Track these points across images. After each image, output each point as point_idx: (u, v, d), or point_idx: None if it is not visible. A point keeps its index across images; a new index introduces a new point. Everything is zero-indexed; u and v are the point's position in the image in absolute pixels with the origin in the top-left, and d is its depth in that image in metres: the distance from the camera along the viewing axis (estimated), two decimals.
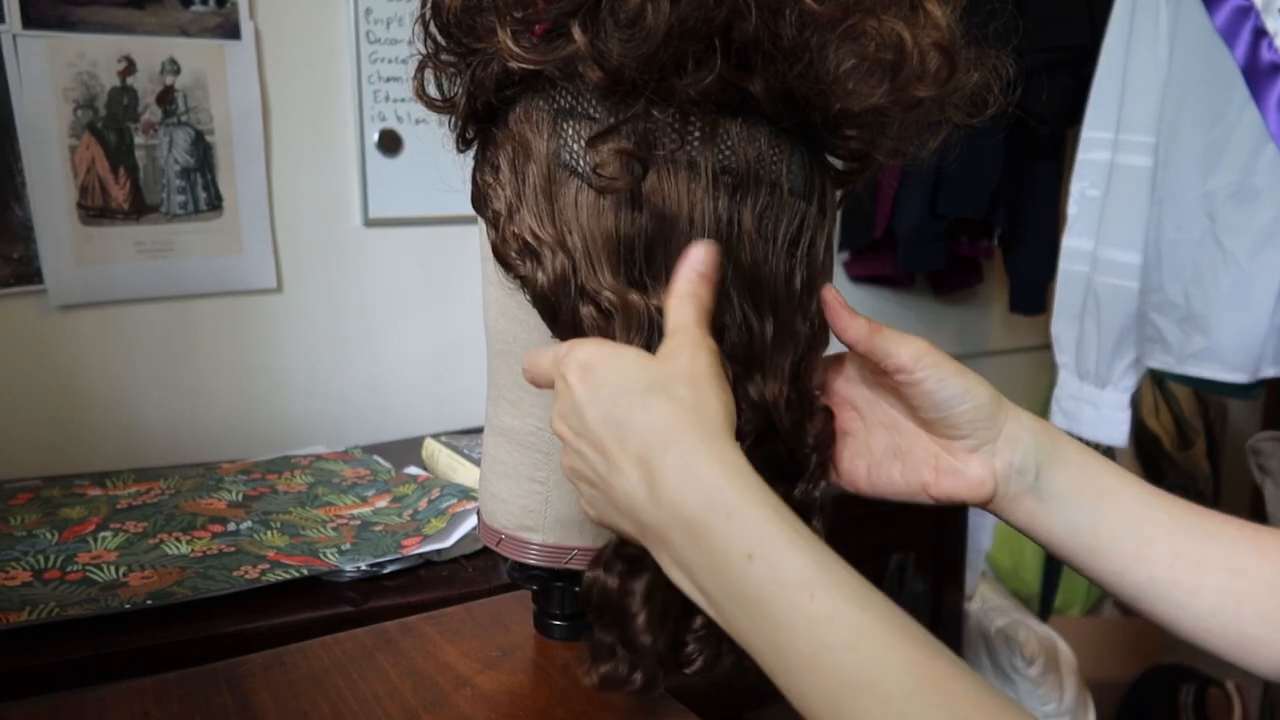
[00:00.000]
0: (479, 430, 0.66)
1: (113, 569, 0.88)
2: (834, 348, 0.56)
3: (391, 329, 1.48)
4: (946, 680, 0.38)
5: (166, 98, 1.27)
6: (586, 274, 0.49)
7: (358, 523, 1.03)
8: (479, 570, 0.95)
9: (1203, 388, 1.41)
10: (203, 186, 1.31)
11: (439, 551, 0.95)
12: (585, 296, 0.50)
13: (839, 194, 0.58)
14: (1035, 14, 1.52)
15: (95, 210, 1.25)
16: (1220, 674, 1.74)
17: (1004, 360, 2.16)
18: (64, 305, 1.25)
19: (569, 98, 0.51)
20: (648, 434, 0.44)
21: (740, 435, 0.46)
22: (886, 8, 0.47)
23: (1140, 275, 1.35)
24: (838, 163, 0.56)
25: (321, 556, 0.92)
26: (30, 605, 0.80)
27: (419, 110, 1.47)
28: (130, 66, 1.24)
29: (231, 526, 0.99)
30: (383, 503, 1.10)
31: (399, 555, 0.93)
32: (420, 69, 0.55)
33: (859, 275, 1.88)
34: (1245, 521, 0.53)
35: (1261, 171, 1.20)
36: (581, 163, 0.50)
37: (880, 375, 0.55)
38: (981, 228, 1.79)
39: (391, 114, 1.41)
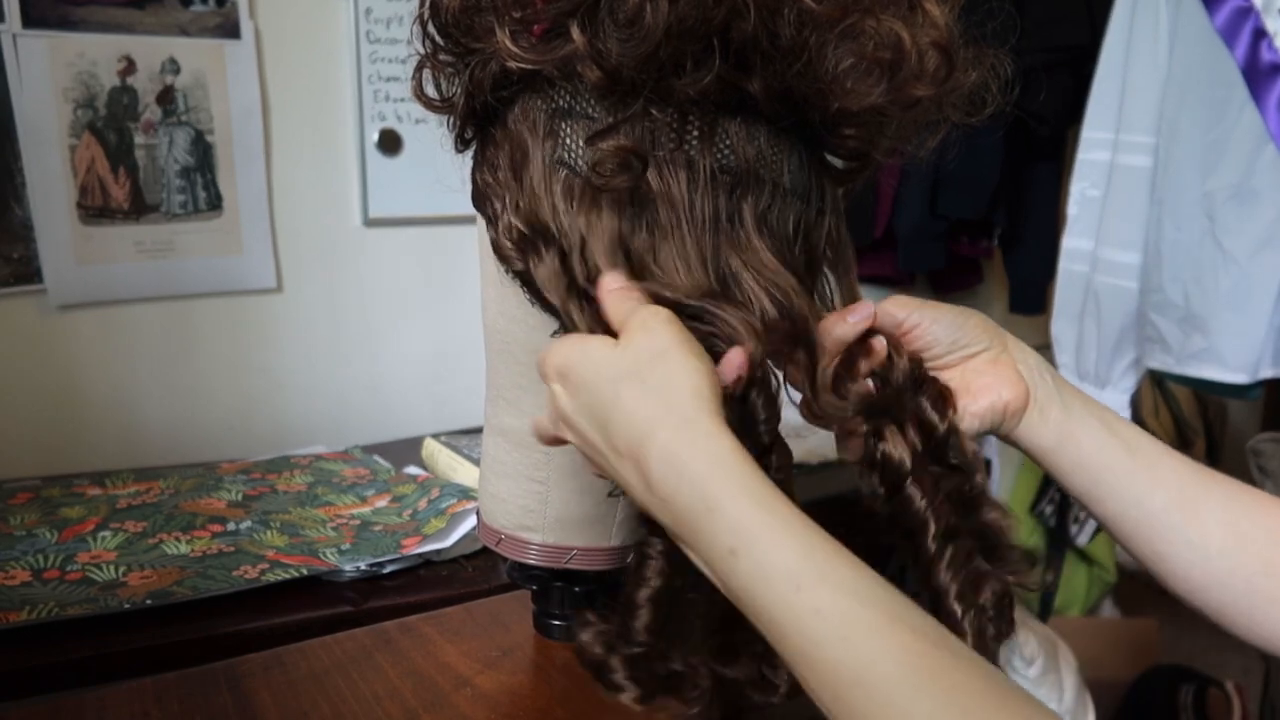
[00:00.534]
0: (479, 430, 0.66)
1: (112, 569, 0.88)
2: None
3: (391, 329, 1.48)
4: (947, 670, 0.36)
5: (166, 97, 1.27)
6: (584, 270, 0.50)
7: (357, 523, 1.03)
8: (479, 570, 0.95)
9: (1202, 388, 1.41)
10: (203, 186, 1.31)
11: (439, 551, 0.95)
12: (588, 294, 0.50)
13: (840, 192, 0.58)
14: (1035, 14, 1.52)
15: (95, 210, 1.25)
16: (1220, 674, 1.74)
17: None
18: (64, 305, 1.25)
19: (567, 97, 0.51)
20: (627, 430, 0.43)
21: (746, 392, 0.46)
22: (885, 7, 0.47)
23: (1140, 275, 1.35)
24: (837, 162, 0.56)
25: (321, 556, 0.92)
26: (30, 605, 0.80)
27: (419, 110, 1.47)
28: (130, 66, 1.24)
29: (231, 526, 0.99)
30: (382, 503, 1.10)
31: (399, 555, 0.93)
32: (419, 69, 0.55)
33: (859, 275, 1.88)
34: (1233, 479, 0.53)
35: (1261, 172, 1.20)
36: (580, 162, 0.50)
37: None
38: (981, 228, 1.79)
39: (391, 114, 1.41)
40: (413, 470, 1.21)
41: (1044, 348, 1.68)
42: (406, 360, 1.50)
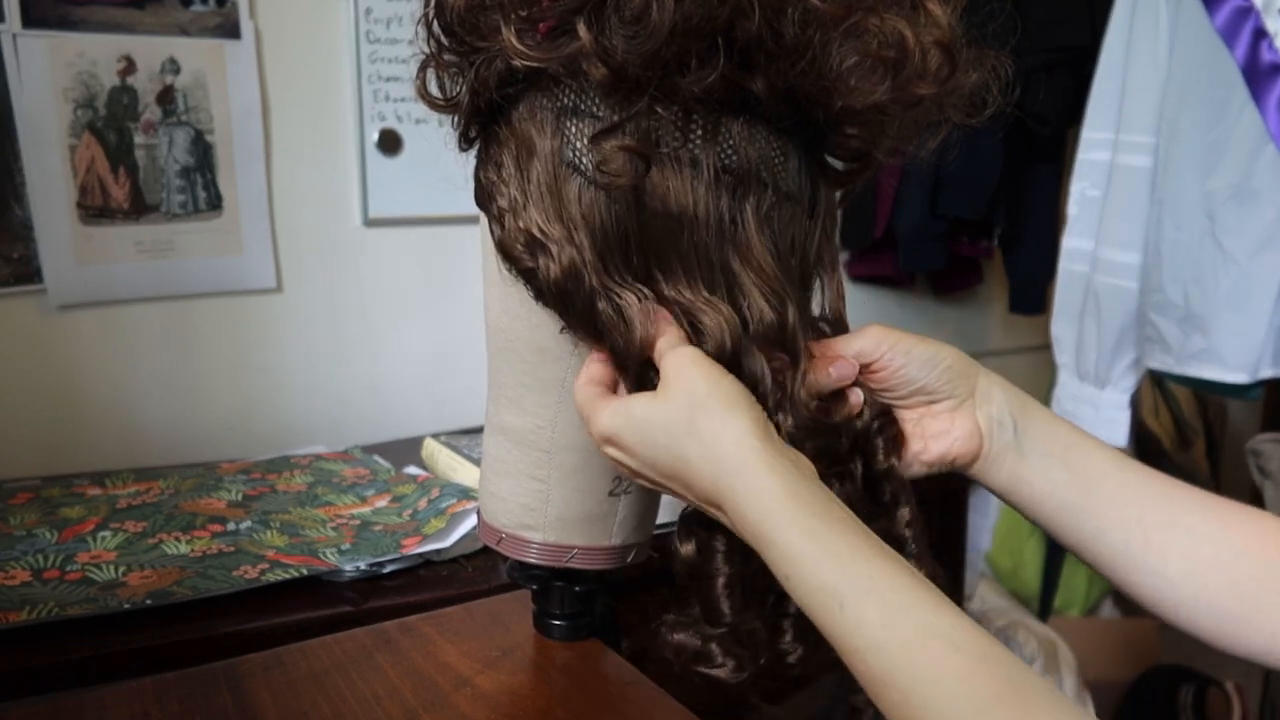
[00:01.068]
0: (479, 430, 0.66)
1: (112, 569, 0.88)
2: None
3: (391, 329, 1.48)
4: (969, 674, 0.39)
5: (166, 97, 1.27)
6: (596, 269, 0.50)
7: (357, 522, 1.03)
8: (479, 570, 0.95)
9: (1202, 388, 1.41)
10: (203, 186, 1.31)
11: (439, 551, 0.95)
12: (597, 292, 0.50)
13: (838, 195, 0.58)
14: (1036, 14, 1.52)
15: (95, 210, 1.25)
16: (1220, 674, 1.74)
17: (1004, 360, 2.16)
18: (64, 305, 1.25)
19: (572, 96, 0.51)
20: (700, 483, 0.48)
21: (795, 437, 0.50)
22: (888, 6, 0.47)
23: (1140, 275, 1.35)
24: (838, 163, 0.56)
25: (321, 556, 0.92)
26: (30, 605, 0.80)
27: (419, 110, 1.47)
28: (130, 66, 1.24)
29: (231, 526, 0.99)
30: (382, 502, 1.10)
31: (399, 555, 0.93)
32: (423, 68, 0.55)
33: (859, 275, 1.88)
34: (1209, 493, 0.53)
35: (1261, 172, 1.20)
36: (585, 160, 0.50)
37: None
38: (981, 228, 1.79)
39: (391, 114, 1.41)
40: (413, 470, 1.21)
41: (1044, 348, 1.68)
42: (406, 360, 1.50)
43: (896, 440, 0.56)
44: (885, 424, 0.56)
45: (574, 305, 0.51)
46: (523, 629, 0.70)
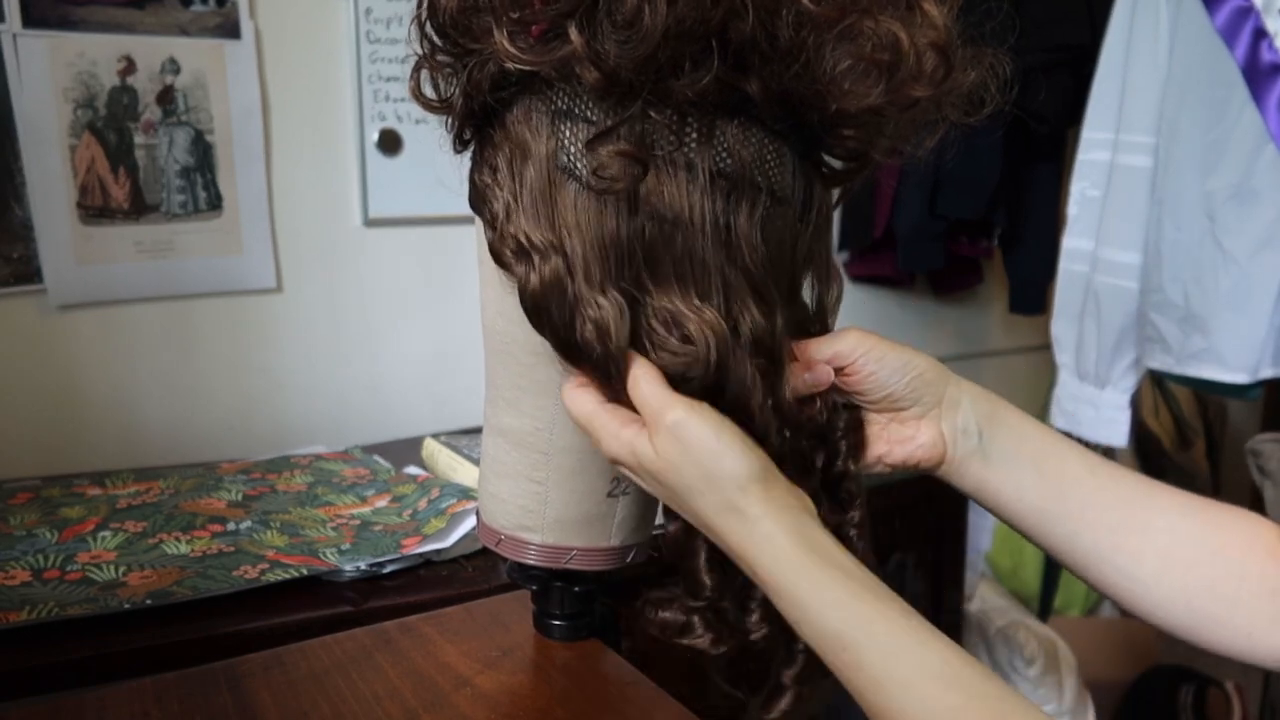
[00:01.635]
0: (479, 430, 0.66)
1: (112, 569, 0.88)
2: None
3: (391, 329, 1.48)
4: (961, 711, 0.42)
5: (166, 97, 1.27)
6: (581, 281, 0.49)
7: (357, 522, 1.03)
8: (479, 570, 0.95)
9: (1202, 388, 1.41)
10: (203, 186, 1.31)
11: (439, 551, 0.95)
12: (582, 300, 0.50)
13: (835, 196, 0.58)
14: (1035, 13, 1.52)
15: (95, 210, 1.25)
16: (1220, 674, 1.74)
17: (1004, 360, 2.16)
18: (64, 305, 1.25)
19: (566, 99, 0.50)
20: (703, 519, 0.50)
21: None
22: (883, 8, 0.47)
23: (1140, 275, 1.35)
24: (835, 163, 0.56)
25: (321, 556, 0.92)
26: (30, 605, 0.80)
27: (419, 110, 1.46)
28: (130, 66, 1.24)
29: (231, 526, 0.99)
30: (382, 502, 1.10)
31: (399, 555, 0.93)
32: (416, 70, 0.55)
33: (859, 275, 1.88)
34: (1192, 494, 0.54)
35: (1261, 172, 1.20)
36: (579, 165, 0.50)
37: None
38: (981, 228, 1.79)
39: (391, 114, 1.41)
40: (413, 470, 1.21)
41: (1044, 348, 1.68)
42: (406, 360, 1.50)
43: (859, 445, 0.57)
44: (851, 427, 0.57)
45: (549, 318, 0.51)
46: (523, 629, 0.70)
